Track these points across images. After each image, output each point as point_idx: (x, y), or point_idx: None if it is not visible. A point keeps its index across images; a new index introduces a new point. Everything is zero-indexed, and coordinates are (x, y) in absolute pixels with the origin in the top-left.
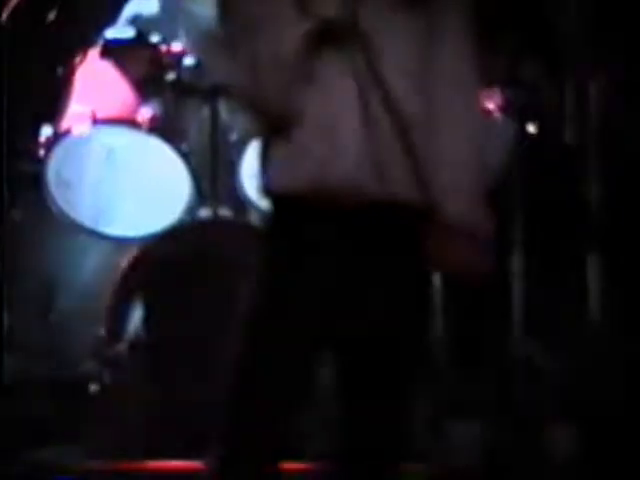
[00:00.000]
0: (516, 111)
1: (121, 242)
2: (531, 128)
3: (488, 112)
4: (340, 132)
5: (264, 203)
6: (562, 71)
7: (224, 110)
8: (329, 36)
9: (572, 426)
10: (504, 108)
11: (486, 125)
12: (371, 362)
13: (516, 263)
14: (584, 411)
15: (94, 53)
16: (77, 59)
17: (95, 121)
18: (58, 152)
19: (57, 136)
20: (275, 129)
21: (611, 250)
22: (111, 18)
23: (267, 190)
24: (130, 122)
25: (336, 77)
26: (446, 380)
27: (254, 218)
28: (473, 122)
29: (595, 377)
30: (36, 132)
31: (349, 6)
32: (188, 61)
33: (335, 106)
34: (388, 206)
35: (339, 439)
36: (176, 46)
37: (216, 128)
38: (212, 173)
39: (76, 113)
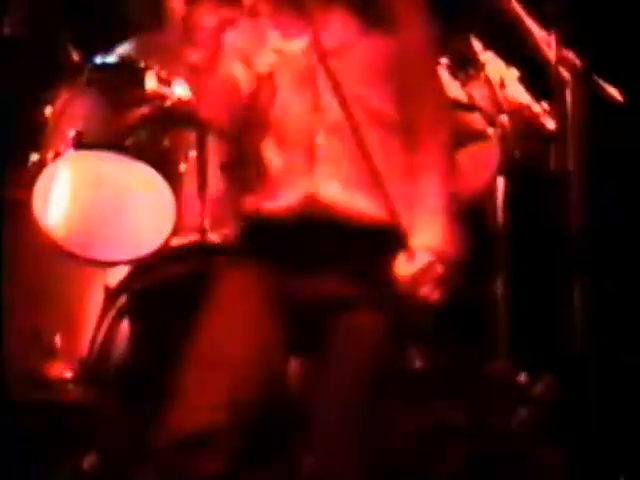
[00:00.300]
0: (502, 135)
1: (108, 267)
2: (516, 153)
3: (473, 136)
4: (307, 154)
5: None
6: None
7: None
8: (293, 68)
9: (558, 451)
10: (490, 132)
11: (470, 150)
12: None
13: (500, 288)
14: (569, 435)
15: (81, 79)
16: (64, 86)
17: (81, 146)
18: (45, 178)
19: (44, 162)
20: (244, 156)
21: (595, 274)
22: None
23: (241, 211)
24: (117, 147)
25: (299, 106)
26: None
27: None
28: (445, 150)
29: (578, 400)
30: (23, 158)
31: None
32: (176, 88)
33: (302, 130)
34: (355, 226)
35: None
36: (164, 73)
37: (204, 153)
38: (200, 198)
39: (63, 139)
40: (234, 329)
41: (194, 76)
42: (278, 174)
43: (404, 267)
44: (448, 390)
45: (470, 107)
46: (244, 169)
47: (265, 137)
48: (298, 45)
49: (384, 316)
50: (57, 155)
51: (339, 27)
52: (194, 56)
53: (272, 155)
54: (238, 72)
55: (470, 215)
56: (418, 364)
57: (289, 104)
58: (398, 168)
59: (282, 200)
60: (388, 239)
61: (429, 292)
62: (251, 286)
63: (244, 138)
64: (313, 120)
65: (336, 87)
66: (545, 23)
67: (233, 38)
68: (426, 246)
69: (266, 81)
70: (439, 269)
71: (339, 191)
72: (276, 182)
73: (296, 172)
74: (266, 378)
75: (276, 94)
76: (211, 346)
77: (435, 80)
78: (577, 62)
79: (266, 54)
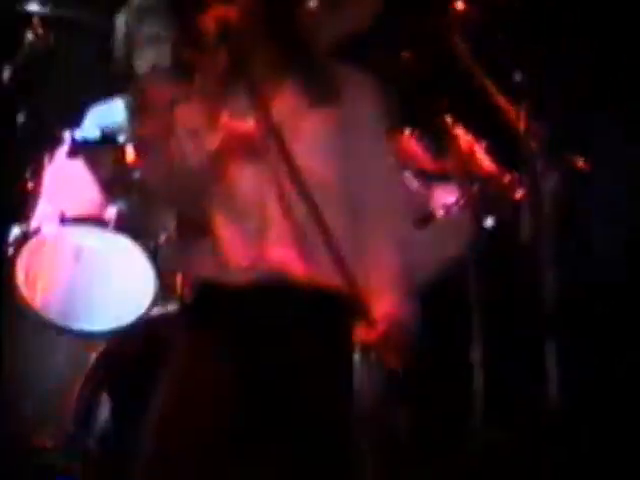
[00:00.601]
0: (474, 205)
1: (89, 338)
2: (488, 222)
3: (447, 206)
4: (261, 221)
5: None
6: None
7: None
8: (243, 143)
9: None
10: (462, 202)
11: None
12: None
13: (476, 352)
14: None
15: (61, 153)
16: (44, 159)
17: (63, 220)
18: (27, 251)
19: (26, 235)
20: (193, 226)
21: (567, 337)
22: (78, 119)
23: (193, 280)
24: (98, 221)
25: (250, 178)
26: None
27: None
28: (395, 220)
29: (554, 460)
30: (5, 232)
31: (263, 115)
32: None
33: (254, 197)
34: (308, 293)
35: None
36: None
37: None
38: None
39: (44, 212)
40: (191, 397)
41: (143, 148)
42: (231, 244)
43: (366, 335)
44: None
45: (443, 177)
46: (197, 239)
47: (215, 209)
48: (248, 121)
49: (340, 377)
50: (39, 230)
51: (287, 102)
52: (145, 129)
53: (223, 226)
54: (188, 147)
55: (446, 283)
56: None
57: (239, 178)
58: (344, 237)
59: (237, 270)
60: (341, 304)
61: (390, 358)
62: (208, 353)
63: (194, 210)
64: (263, 192)
65: (287, 159)
66: (514, 96)
67: (185, 114)
68: (386, 315)
69: (216, 156)
70: (398, 337)
71: (291, 260)
72: (229, 252)
73: (248, 242)
74: (222, 444)
75: (226, 168)
76: (168, 415)
77: (382, 150)
78: (544, 135)
79: (216, 130)
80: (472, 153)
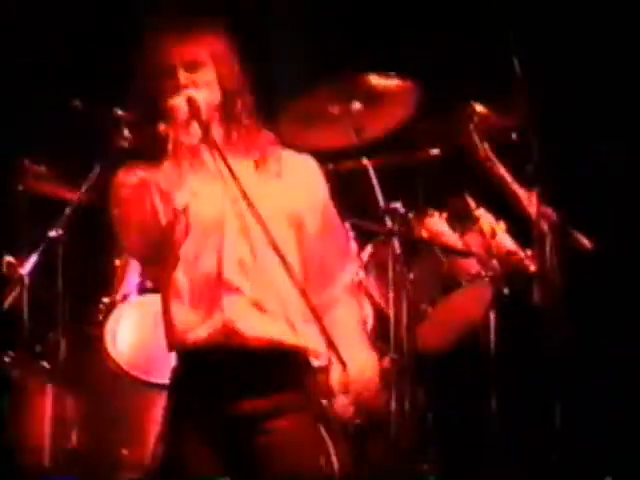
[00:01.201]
0: (494, 277)
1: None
2: (505, 290)
3: (471, 276)
4: (216, 289)
5: None
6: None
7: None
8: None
9: None
10: (483, 274)
11: (467, 289)
12: None
13: (492, 408)
14: None
15: None
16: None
17: (144, 290)
18: (114, 316)
19: (113, 304)
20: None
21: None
22: None
23: (170, 341)
24: None
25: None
26: None
27: None
28: (349, 286)
29: None
30: (97, 302)
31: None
32: None
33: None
34: (267, 351)
35: None
36: None
37: None
38: None
39: (130, 285)
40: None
41: (120, 210)
42: (192, 306)
43: (340, 400)
44: None
45: (467, 253)
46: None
47: (176, 268)
48: (212, 188)
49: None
50: (124, 298)
51: (249, 175)
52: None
53: (184, 287)
54: (158, 206)
55: (468, 343)
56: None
57: (199, 240)
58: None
59: (200, 331)
60: (300, 360)
61: (356, 413)
62: (188, 412)
63: (158, 267)
64: (220, 256)
65: (244, 230)
66: (527, 183)
67: (157, 177)
68: (358, 376)
69: (181, 217)
70: (367, 395)
71: (250, 320)
72: (191, 314)
73: (208, 305)
74: None
75: (189, 230)
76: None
77: (338, 224)
78: (554, 216)
79: (183, 193)
80: (493, 233)
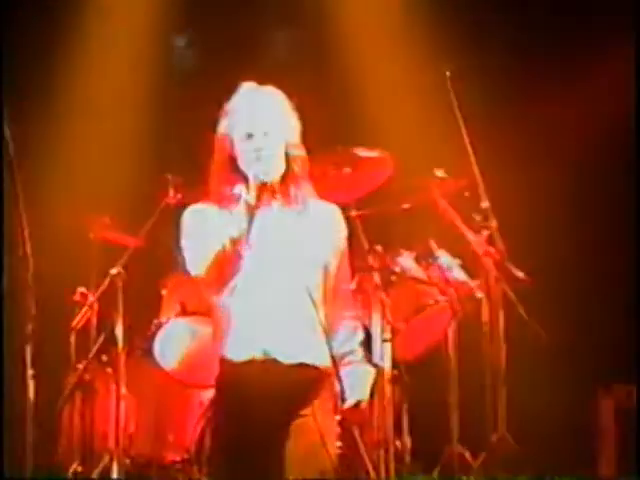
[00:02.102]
0: (449, 301)
1: (205, 388)
2: (460, 314)
3: (432, 304)
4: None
5: None
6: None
7: None
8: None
9: None
10: (443, 300)
11: (428, 312)
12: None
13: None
14: None
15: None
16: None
17: (185, 313)
18: (161, 335)
19: (160, 324)
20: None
21: None
22: None
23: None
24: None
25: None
26: None
27: None
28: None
29: None
30: (148, 323)
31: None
32: None
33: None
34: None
35: None
36: None
37: None
38: None
39: (172, 309)
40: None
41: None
42: (235, 330)
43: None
44: None
45: (430, 283)
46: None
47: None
48: (265, 234)
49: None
50: (168, 320)
51: (292, 224)
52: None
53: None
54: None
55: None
56: None
57: (249, 277)
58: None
59: (242, 352)
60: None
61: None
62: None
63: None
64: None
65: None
66: (475, 229)
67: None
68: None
69: (238, 253)
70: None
71: (284, 346)
72: (238, 340)
73: (251, 329)
74: None
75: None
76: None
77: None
78: (496, 255)
79: (240, 235)
80: (450, 267)
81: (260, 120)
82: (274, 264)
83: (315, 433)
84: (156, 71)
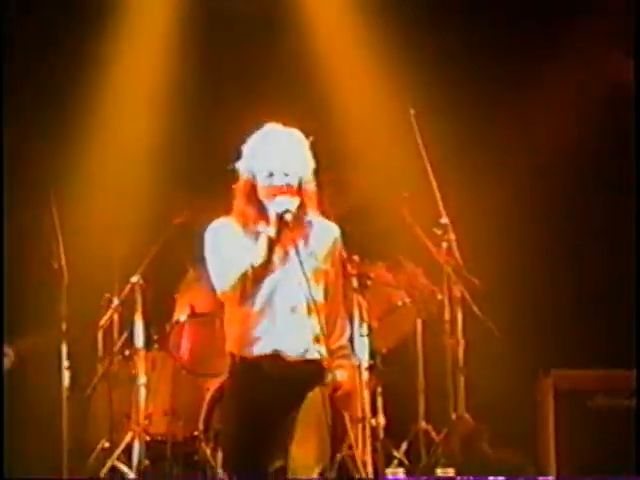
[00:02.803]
0: (416, 302)
1: (213, 376)
2: (423, 314)
3: (401, 305)
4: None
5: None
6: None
7: None
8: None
9: None
10: (408, 300)
11: (398, 313)
12: None
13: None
14: None
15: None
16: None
17: (194, 315)
18: (175, 331)
19: (173, 324)
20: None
21: None
22: None
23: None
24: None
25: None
26: None
27: None
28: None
29: None
30: (164, 322)
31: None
32: None
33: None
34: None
35: None
36: None
37: None
38: None
39: (184, 311)
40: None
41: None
42: (249, 331)
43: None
44: None
45: (399, 287)
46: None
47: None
48: (278, 253)
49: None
50: (178, 321)
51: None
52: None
53: (250, 316)
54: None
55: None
56: None
57: (268, 286)
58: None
59: (258, 347)
60: (314, 373)
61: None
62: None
63: (234, 298)
64: (276, 300)
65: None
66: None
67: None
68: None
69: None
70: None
71: (285, 337)
72: (251, 334)
73: (264, 331)
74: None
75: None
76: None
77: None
78: (454, 263)
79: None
80: (415, 274)
81: (281, 161)
82: (284, 278)
83: (316, 411)
84: (173, 96)
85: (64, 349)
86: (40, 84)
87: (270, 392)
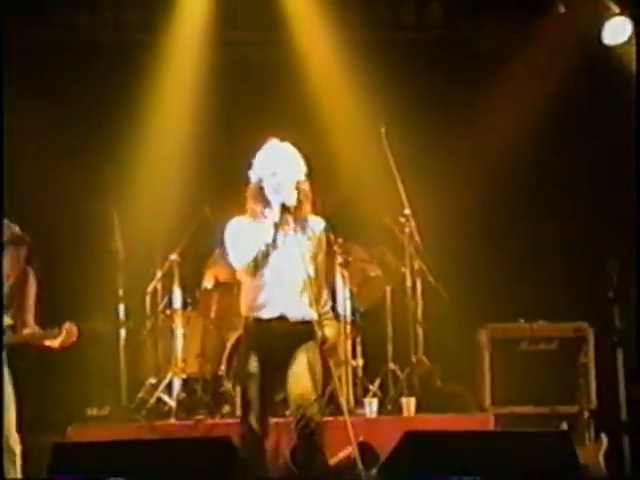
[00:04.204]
0: (385, 273)
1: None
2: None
3: (372, 276)
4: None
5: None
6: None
7: None
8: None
9: None
10: (380, 272)
11: (371, 283)
12: None
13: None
14: None
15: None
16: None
17: (218, 282)
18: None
19: (203, 290)
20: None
21: None
22: None
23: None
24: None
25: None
26: None
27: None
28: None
29: None
30: (195, 289)
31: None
32: None
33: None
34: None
35: None
36: None
37: None
38: None
39: (210, 280)
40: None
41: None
42: (260, 296)
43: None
44: None
45: (373, 262)
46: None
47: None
48: (283, 239)
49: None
50: (206, 289)
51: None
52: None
53: (261, 288)
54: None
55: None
56: None
57: (276, 264)
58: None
59: (266, 312)
60: (311, 330)
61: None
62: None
63: (250, 275)
64: (282, 274)
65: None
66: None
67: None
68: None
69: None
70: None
71: (288, 301)
72: (259, 301)
73: (272, 299)
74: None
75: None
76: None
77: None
78: (415, 243)
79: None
80: (385, 254)
81: (281, 164)
82: (287, 259)
83: (310, 358)
84: (203, 123)
85: (122, 309)
86: (103, 114)
87: (276, 344)
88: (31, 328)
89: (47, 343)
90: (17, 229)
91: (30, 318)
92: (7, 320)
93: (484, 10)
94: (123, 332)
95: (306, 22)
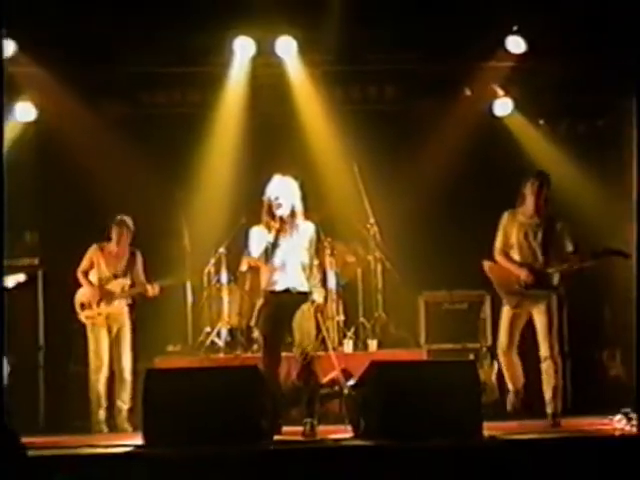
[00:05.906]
0: (358, 260)
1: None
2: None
3: (350, 259)
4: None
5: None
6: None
7: None
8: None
9: None
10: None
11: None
12: None
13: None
14: None
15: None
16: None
17: (250, 267)
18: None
19: (240, 272)
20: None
21: None
22: None
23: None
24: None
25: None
26: None
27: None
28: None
29: None
30: (235, 271)
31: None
32: None
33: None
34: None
35: None
36: None
37: None
38: None
39: (244, 265)
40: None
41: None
42: (273, 276)
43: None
44: None
45: (349, 253)
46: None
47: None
48: (286, 239)
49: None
50: (242, 271)
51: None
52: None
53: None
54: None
55: (350, 284)
56: None
57: (281, 256)
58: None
59: (277, 286)
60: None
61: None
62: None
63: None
64: (285, 262)
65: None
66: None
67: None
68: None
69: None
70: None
71: (295, 279)
72: (273, 279)
73: (281, 278)
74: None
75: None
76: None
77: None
78: (377, 240)
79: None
80: (357, 247)
81: (282, 192)
82: (288, 252)
83: (306, 316)
84: (236, 162)
85: (188, 284)
86: (178, 160)
87: (284, 307)
88: (142, 285)
89: (148, 294)
90: (130, 222)
91: (142, 279)
92: (127, 281)
93: (420, 92)
94: (190, 297)
95: (305, 100)
